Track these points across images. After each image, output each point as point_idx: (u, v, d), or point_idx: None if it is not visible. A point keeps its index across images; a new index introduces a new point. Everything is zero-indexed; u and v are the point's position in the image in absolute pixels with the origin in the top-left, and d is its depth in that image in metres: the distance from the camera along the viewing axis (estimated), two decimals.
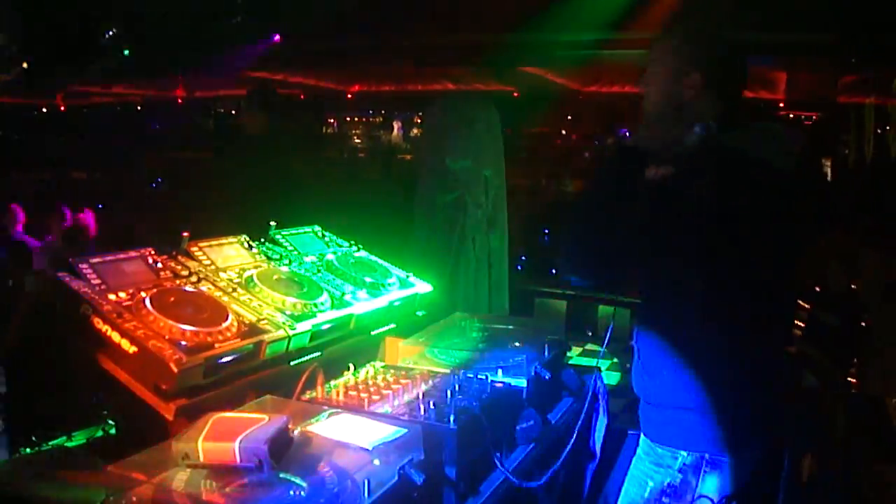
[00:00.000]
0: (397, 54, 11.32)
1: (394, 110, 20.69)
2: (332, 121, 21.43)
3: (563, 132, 20.92)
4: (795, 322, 6.61)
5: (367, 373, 2.97)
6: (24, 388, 2.72)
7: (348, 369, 2.95)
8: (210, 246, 3.24)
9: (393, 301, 3.48)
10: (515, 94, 14.11)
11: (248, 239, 3.43)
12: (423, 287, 3.72)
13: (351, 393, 2.72)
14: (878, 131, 11.16)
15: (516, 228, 6.47)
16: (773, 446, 2.69)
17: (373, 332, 3.37)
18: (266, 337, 2.73)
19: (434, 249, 5.72)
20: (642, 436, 2.74)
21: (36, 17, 8.68)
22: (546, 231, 11.33)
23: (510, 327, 3.81)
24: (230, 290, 2.97)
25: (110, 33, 8.52)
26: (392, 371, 3.01)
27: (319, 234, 3.86)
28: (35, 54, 9.73)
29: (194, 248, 3.18)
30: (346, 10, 8.67)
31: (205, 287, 2.92)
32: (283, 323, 2.85)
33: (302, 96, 16.05)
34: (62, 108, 17.36)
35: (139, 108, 18.03)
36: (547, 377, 3.05)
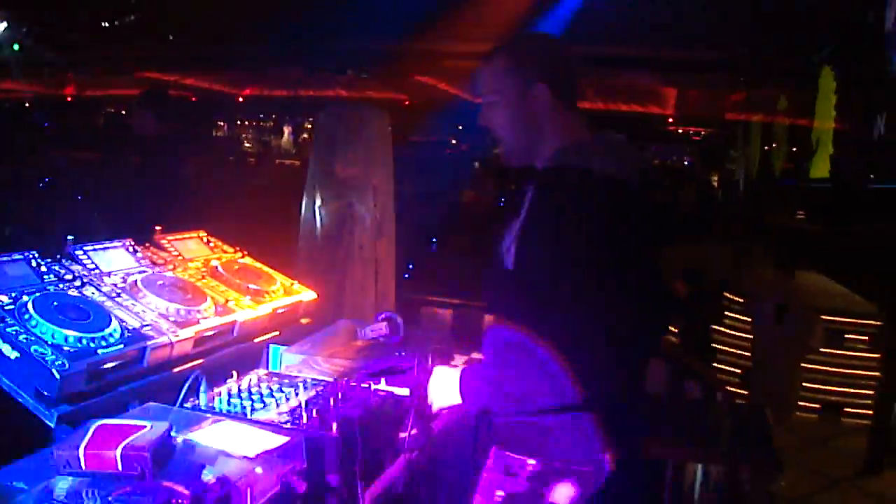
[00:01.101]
0: (289, 58, 11.27)
1: (285, 115, 20.61)
2: (222, 123, 21.24)
3: (454, 142, 21.07)
4: (669, 330, 6.83)
5: (251, 380, 2.98)
6: None
7: (232, 376, 2.96)
8: (94, 250, 3.21)
9: (277, 308, 3.49)
10: (407, 103, 14.17)
11: (133, 243, 3.41)
12: (307, 295, 3.74)
13: (234, 400, 2.73)
14: (765, 148, 11.50)
15: (404, 237, 6.51)
16: (641, 456, 2.68)
17: (256, 340, 3.38)
18: (149, 343, 2.72)
19: (321, 256, 5.73)
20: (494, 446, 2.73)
21: None
22: (434, 240, 11.38)
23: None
24: (114, 294, 2.95)
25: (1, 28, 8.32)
26: (275, 379, 3.03)
27: (205, 239, 3.85)
28: None
29: (79, 252, 3.14)
30: (239, 13, 8.61)
31: (89, 291, 2.90)
32: (167, 329, 2.84)
33: (193, 98, 15.87)
34: None
35: (27, 105, 17.61)
36: None
